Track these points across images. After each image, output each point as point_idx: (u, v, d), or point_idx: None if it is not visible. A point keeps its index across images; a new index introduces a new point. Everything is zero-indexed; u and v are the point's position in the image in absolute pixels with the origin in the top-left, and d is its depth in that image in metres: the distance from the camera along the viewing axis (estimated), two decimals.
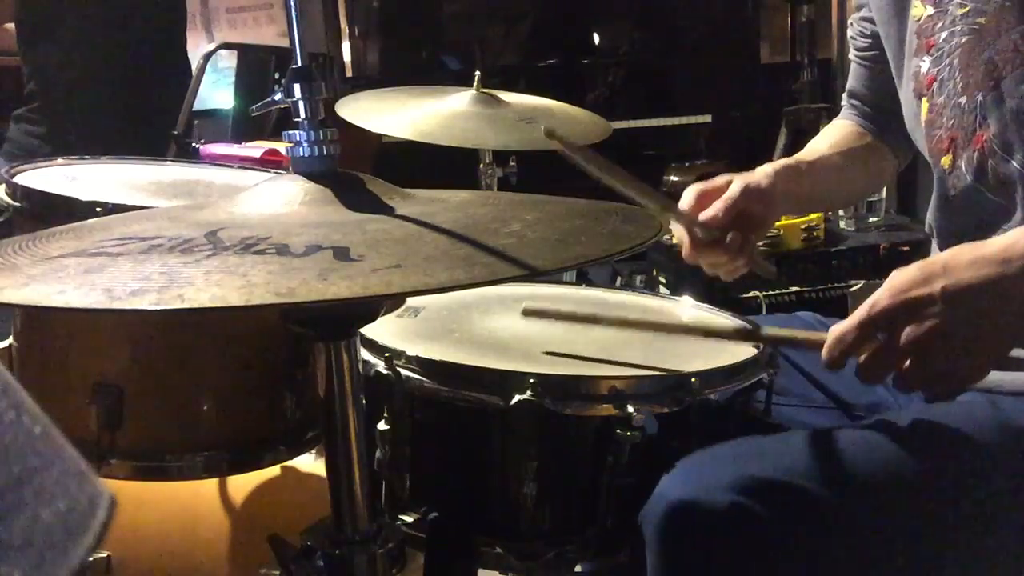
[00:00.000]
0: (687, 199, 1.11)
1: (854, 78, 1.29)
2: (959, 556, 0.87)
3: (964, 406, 0.93)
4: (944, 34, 1.02)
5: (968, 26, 1.00)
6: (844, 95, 1.32)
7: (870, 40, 1.22)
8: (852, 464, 0.84)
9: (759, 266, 1.18)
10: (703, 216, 1.08)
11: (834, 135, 1.30)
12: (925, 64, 1.05)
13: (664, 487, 0.82)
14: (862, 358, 0.84)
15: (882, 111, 1.25)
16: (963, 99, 1.01)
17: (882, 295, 0.82)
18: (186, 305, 0.49)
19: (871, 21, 1.20)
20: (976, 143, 1.00)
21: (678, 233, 1.12)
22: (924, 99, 1.06)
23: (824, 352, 0.86)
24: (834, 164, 1.24)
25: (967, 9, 1.00)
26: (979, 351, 0.82)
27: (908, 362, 0.82)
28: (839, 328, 0.84)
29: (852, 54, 1.30)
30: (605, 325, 1.03)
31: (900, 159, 1.28)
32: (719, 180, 1.12)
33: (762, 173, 1.13)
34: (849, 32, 1.30)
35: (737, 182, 1.10)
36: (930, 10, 1.04)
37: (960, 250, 0.82)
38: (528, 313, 1.04)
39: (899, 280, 0.82)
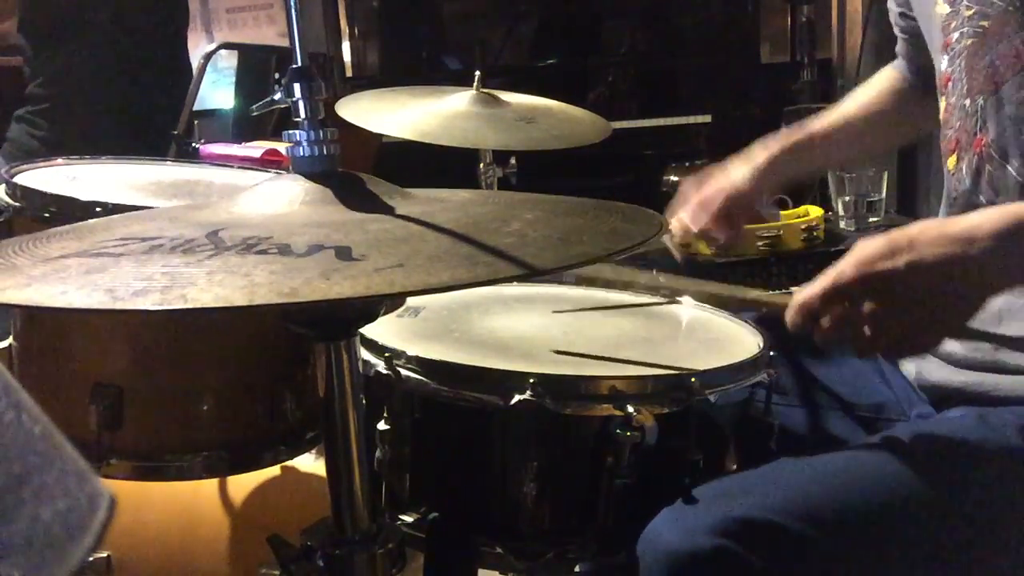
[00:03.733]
0: (688, 214, 1.25)
1: (901, 46, 1.30)
2: None
3: (953, 424, 0.93)
4: (956, 34, 1.02)
5: (973, 28, 0.99)
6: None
7: (902, 25, 1.25)
8: (837, 498, 0.84)
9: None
10: (696, 228, 1.23)
11: (871, 93, 1.31)
12: (944, 62, 1.05)
13: (652, 530, 0.82)
14: (823, 323, 0.87)
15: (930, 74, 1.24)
16: (967, 101, 1.00)
17: (848, 266, 0.84)
18: (189, 305, 0.49)
19: (904, 17, 1.23)
20: (976, 147, 0.99)
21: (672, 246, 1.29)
22: (943, 97, 1.06)
23: (787, 317, 0.89)
24: (856, 130, 1.27)
25: (973, 11, 0.99)
26: (937, 324, 0.85)
27: (866, 329, 0.84)
28: (803, 295, 0.87)
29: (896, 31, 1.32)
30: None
31: None
32: (709, 190, 1.23)
33: (745, 176, 1.22)
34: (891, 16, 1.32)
35: (720, 193, 1.22)
36: (946, 8, 1.04)
37: (927, 226, 0.84)
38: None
39: (865, 252, 0.83)
